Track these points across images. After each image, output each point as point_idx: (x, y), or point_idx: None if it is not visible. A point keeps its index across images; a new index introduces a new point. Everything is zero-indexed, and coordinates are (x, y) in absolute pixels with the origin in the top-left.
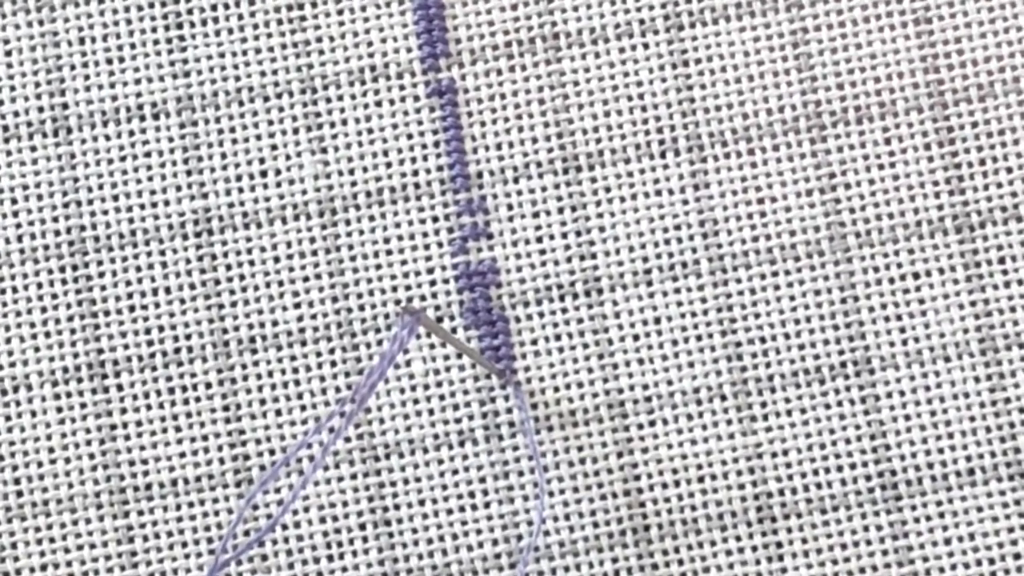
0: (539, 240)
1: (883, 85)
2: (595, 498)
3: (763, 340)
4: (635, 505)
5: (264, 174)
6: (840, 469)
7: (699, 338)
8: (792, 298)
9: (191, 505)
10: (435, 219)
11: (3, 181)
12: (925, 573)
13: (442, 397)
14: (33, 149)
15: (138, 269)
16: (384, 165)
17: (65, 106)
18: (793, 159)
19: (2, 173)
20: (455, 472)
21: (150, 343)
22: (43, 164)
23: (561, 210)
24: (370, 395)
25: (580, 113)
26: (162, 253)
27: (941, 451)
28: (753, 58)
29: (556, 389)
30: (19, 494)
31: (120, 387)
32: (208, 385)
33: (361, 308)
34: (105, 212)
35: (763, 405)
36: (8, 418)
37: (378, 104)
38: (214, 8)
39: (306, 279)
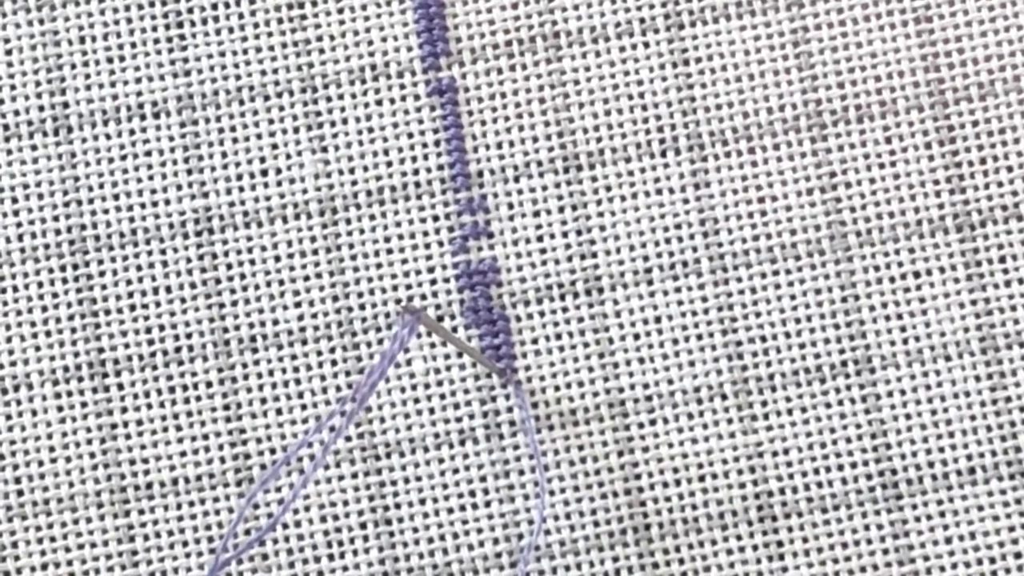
0: (540, 239)
1: (884, 84)
2: (596, 497)
3: (764, 339)
4: (636, 504)
5: (265, 173)
6: (841, 468)
7: (700, 337)
8: (793, 297)
9: (192, 504)
10: (436, 218)
11: (4, 180)
12: (926, 572)
13: (443, 396)
14: (34, 148)
15: (139, 268)
16: (384, 164)
17: (66, 105)
18: (794, 158)
19: (3, 172)
20: (456, 471)
21: (151, 342)
22: (44, 163)
23: (562, 209)
24: (371, 394)
25: (580, 112)
26: (163, 252)
27: (942, 450)
28: (754, 57)
29: (557, 388)
30: (20, 493)
31: (121, 386)
32: (209, 384)
33: (362, 307)
34: (106, 211)
35: (764, 404)
36: (9, 417)
37: (378, 103)
38: (214, 7)
39: (307, 278)
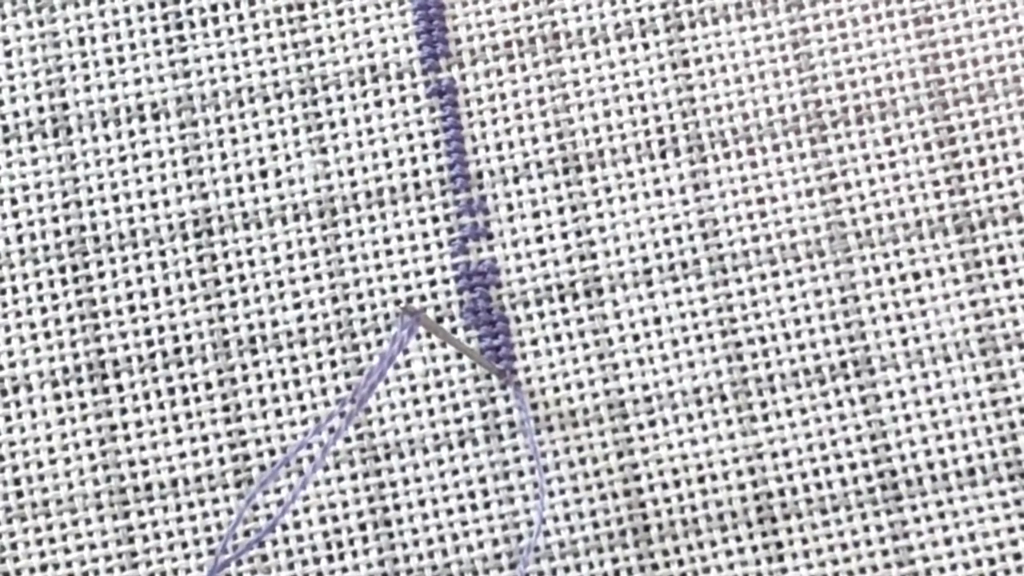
0: (539, 240)
1: (883, 85)
2: (595, 498)
3: (763, 340)
4: (635, 505)
5: (264, 174)
6: (840, 469)
7: (699, 338)
8: (792, 298)
9: (191, 505)
10: (435, 219)
11: (3, 181)
12: (925, 573)
13: (442, 397)
14: (33, 149)
15: (138, 269)
16: (384, 165)
17: (65, 106)
18: (793, 159)
19: (2, 173)
20: (455, 472)
21: (150, 343)
22: (43, 164)
23: (561, 210)
24: (370, 395)
25: (580, 113)
26: (162, 253)
27: (941, 451)
28: (753, 58)
29: (556, 389)
30: (19, 494)
31: (120, 387)
32: (208, 385)
33: (361, 308)
34: (105, 212)
35: (763, 405)
36: (8, 418)
37: (378, 104)
38: (214, 8)
39: (306, 279)
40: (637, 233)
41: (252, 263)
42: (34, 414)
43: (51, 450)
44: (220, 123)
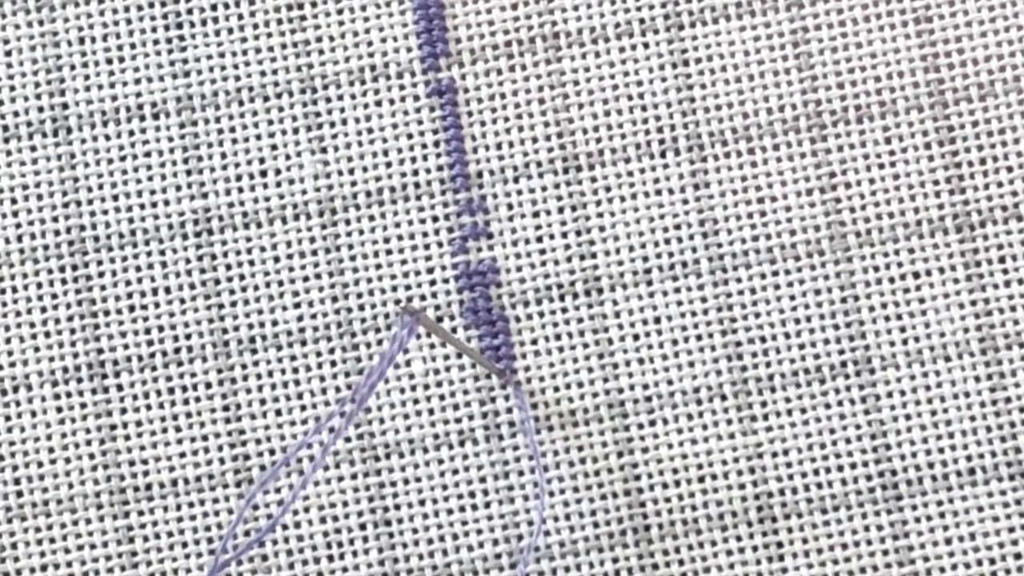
0: (539, 240)
1: (883, 84)
2: (595, 498)
3: (763, 340)
4: (635, 505)
5: (264, 174)
6: (840, 469)
7: (699, 338)
8: (792, 298)
9: (191, 505)
10: (435, 219)
11: (3, 181)
12: (926, 573)
13: (442, 397)
14: (33, 149)
15: (138, 269)
16: (384, 165)
17: (65, 106)
18: (793, 158)
19: (2, 173)
20: (455, 472)
21: (150, 343)
22: (43, 164)
23: (561, 210)
24: (370, 395)
25: (580, 113)
26: (162, 253)
27: (941, 451)
28: (753, 57)
29: (556, 389)
30: (19, 494)
31: (120, 387)
32: (208, 385)
33: (361, 308)
34: (105, 212)
35: (763, 405)
36: (8, 418)
37: (378, 104)
38: (214, 8)
39: (306, 279)
40: (637, 233)
41: (252, 263)
42: (34, 414)
43: (51, 450)
44: (220, 123)
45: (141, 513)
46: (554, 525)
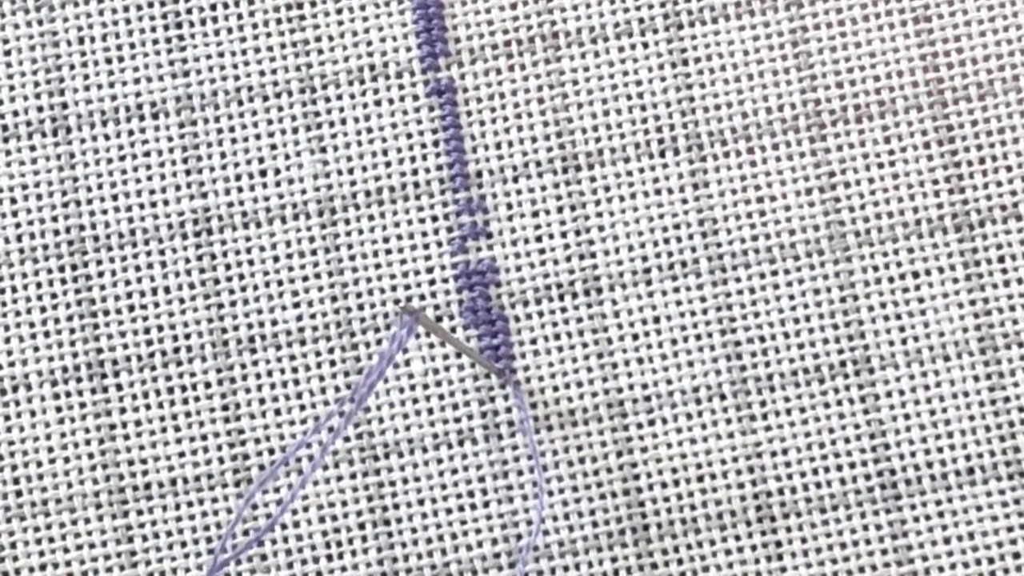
0: (538, 239)
1: (882, 84)
2: (594, 497)
3: (762, 339)
4: (634, 504)
5: (263, 173)
6: (839, 468)
7: (698, 337)
8: (791, 297)
9: (190, 504)
10: (434, 218)
11: (2, 181)
12: (924, 572)
13: (441, 397)
14: (32, 149)
15: (137, 269)
16: (383, 164)
17: (64, 106)
18: (792, 158)
19: (1, 173)
20: (454, 471)
21: (149, 343)
22: (42, 164)
23: (560, 209)
24: (369, 394)
25: (579, 112)
26: (161, 253)
27: (940, 450)
28: (752, 57)
29: (555, 388)
30: (18, 494)
31: (119, 387)
32: (207, 384)
33: (360, 307)
34: (104, 212)
35: (762, 404)
36: (7, 418)
37: (377, 103)
38: (213, 8)
39: (305, 278)
40: (636, 232)
41: (251, 262)
42: (33, 413)
43: (50, 449)
44: (219, 122)
45: (140, 512)
46: (553, 524)
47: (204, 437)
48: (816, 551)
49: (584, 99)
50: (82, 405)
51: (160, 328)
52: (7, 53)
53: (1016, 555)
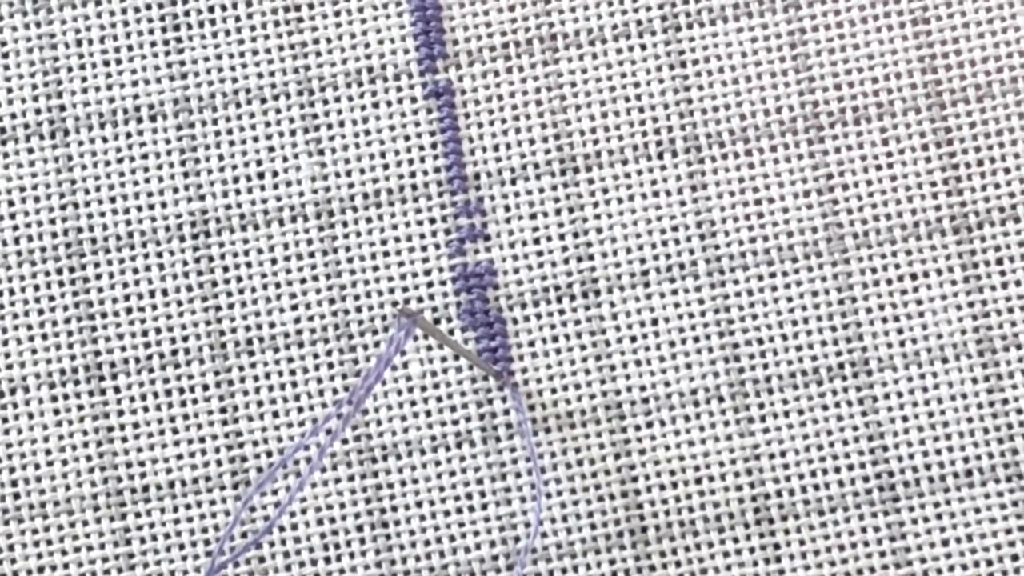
0: (536, 241)
1: (881, 86)
2: (592, 499)
3: (761, 341)
4: (633, 507)
5: (261, 176)
6: (838, 470)
7: (697, 339)
8: (790, 299)
9: (188, 507)
10: (432, 221)
11: (0, 183)
12: (923, 574)
13: (439, 399)
14: (30, 151)
15: (135, 271)
16: (381, 167)
17: (62, 108)
18: (791, 160)
19: None
20: (452, 474)
21: (147, 345)
22: (40, 166)
23: (559, 211)
24: (367, 397)
25: (578, 114)
26: (159, 255)
27: (939, 452)
28: (751, 59)
29: (553, 391)
30: (16, 496)
31: (117, 389)
32: (205, 387)
33: (358, 310)
34: (102, 214)
35: (761, 406)
36: (5, 420)
37: (375, 106)
38: (211, 10)
39: (303, 281)
40: (634, 234)
41: (249, 264)
42: (31, 416)
43: (48, 452)
44: (217, 125)
45: (138, 515)
46: (551, 527)
47: (202, 439)
48: (814, 553)
49: (582, 101)
50: (80, 407)
51: (158, 330)
52: (5, 55)
53: (1015, 557)
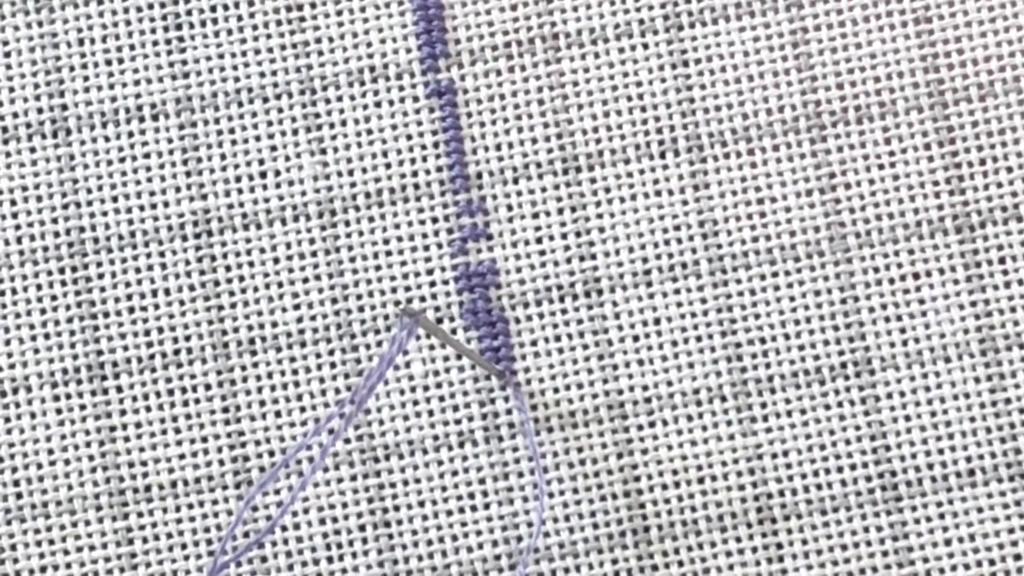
0: (539, 241)
1: (883, 85)
2: (595, 499)
3: (763, 341)
4: (635, 506)
5: (263, 175)
6: (840, 470)
7: (699, 339)
8: (792, 298)
9: (190, 507)
10: (435, 220)
11: (3, 182)
12: (925, 574)
13: (442, 398)
14: (32, 150)
15: (137, 270)
16: (383, 166)
17: (64, 107)
18: (793, 159)
19: (1, 174)
20: (455, 473)
21: (149, 344)
22: (42, 165)
23: (561, 211)
24: (369, 396)
25: (580, 113)
26: (161, 254)
27: (941, 452)
28: (753, 58)
29: (556, 390)
30: (19, 496)
31: (120, 388)
32: (208, 386)
33: (361, 309)
34: (104, 213)
35: (763, 406)
36: (8, 420)
37: (377, 105)
38: (213, 9)
39: (305, 280)
40: (637, 234)
41: (251, 264)
42: (34, 415)
43: (50, 451)
44: (219, 124)
45: (140, 515)
46: (553, 526)
47: (204, 439)
48: (817, 553)
49: (584, 100)
50: (82, 407)
51: (160, 330)
52: (7, 55)
53: (1017, 556)
